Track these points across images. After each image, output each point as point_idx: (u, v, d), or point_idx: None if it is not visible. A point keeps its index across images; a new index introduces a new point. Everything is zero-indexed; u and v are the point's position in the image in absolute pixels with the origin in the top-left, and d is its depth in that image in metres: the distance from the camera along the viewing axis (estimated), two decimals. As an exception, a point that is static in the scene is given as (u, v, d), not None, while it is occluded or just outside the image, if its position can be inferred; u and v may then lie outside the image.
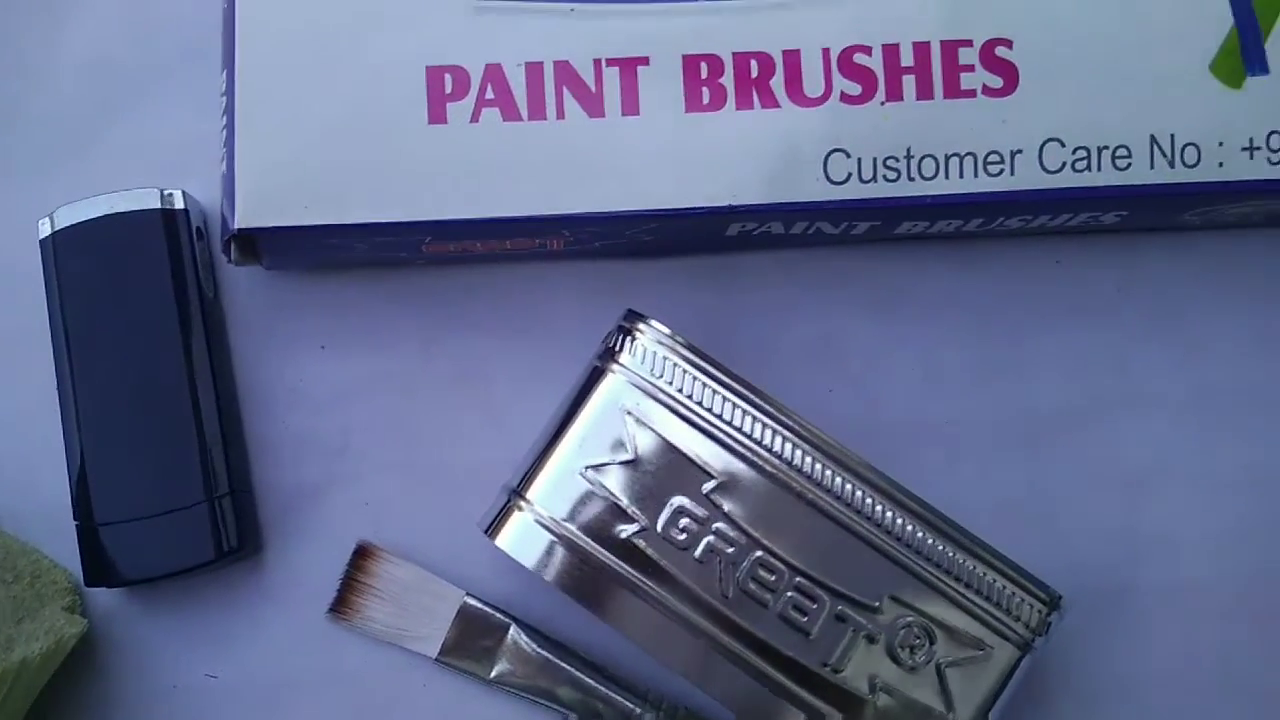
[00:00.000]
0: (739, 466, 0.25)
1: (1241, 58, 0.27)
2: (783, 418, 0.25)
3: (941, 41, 0.27)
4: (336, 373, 0.30)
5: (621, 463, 0.25)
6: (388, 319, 0.30)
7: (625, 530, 0.24)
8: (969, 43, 0.27)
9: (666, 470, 0.25)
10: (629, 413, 0.25)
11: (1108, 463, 0.30)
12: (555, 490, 0.25)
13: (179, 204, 0.29)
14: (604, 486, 0.25)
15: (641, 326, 0.26)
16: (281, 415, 0.30)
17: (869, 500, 0.25)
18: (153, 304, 0.28)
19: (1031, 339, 0.30)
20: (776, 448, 0.25)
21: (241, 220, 0.26)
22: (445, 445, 0.29)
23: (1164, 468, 0.30)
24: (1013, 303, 0.30)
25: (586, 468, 0.25)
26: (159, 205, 0.28)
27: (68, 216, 0.28)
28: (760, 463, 0.25)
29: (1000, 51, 0.27)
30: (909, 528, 0.25)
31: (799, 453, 0.25)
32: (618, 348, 0.26)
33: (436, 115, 0.26)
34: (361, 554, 0.28)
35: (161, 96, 0.31)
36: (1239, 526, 0.30)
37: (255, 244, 0.27)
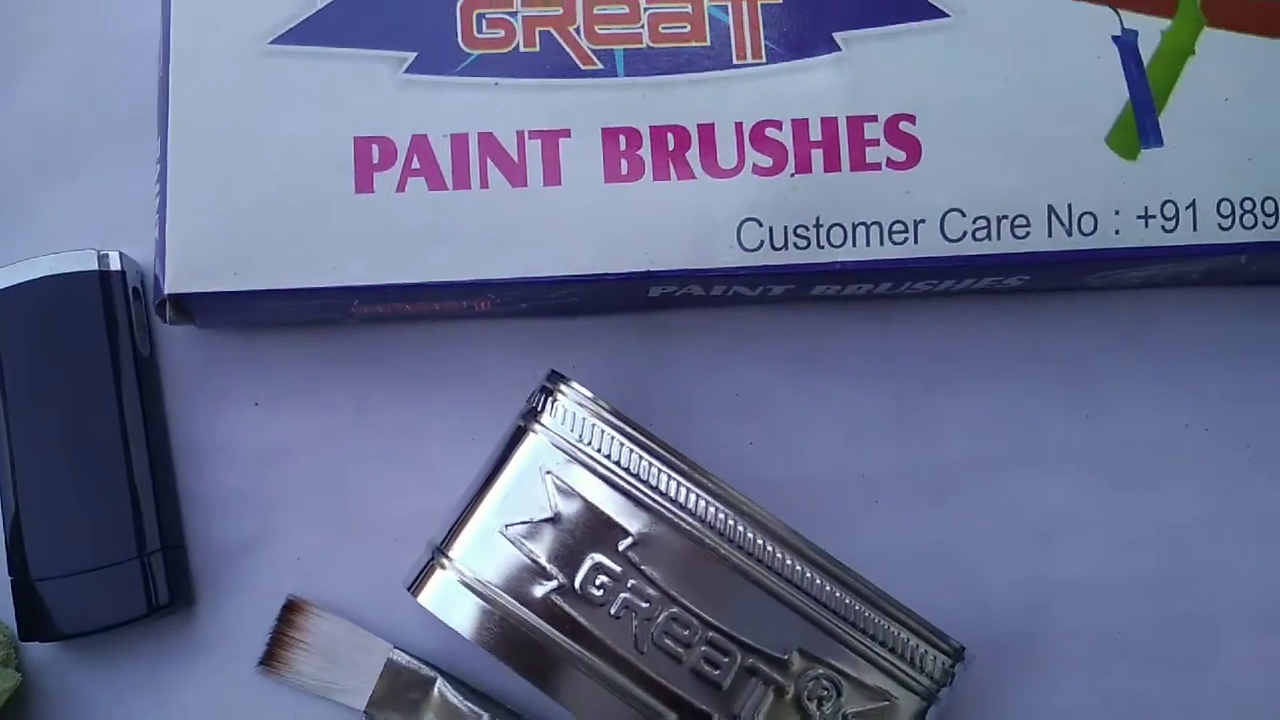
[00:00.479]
0: (654, 525, 0.26)
1: (1137, 130, 0.29)
2: (697, 477, 0.26)
3: (848, 117, 0.28)
4: (269, 429, 0.30)
5: (541, 521, 0.26)
6: (319, 376, 0.31)
7: (543, 588, 0.25)
8: (874, 118, 0.28)
9: (585, 528, 0.26)
10: (549, 472, 0.26)
11: (1017, 515, 0.31)
12: (477, 548, 0.26)
13: (115, 265, 0.29)
14: (524, 544, 0.26)
15: (563, 388, 0.27)
16: (215, 471, 0.30)
17: (779, 555, 0.26)
18: (89, 363, 0.29)
19: (944, 394, 0.32)
20: (690, 505, 0.26)
21: (171, 286, 0.26)
22: (376, 500, 0.30)
23: (1071, 520, 0.31)
24: (926, 359, 0.32)
25: (507, 526, 0.26)
26: (96, 267, 0.29)
27: (8, 277, 0.29)
28: (675, 520, 0.26)
29: (904, 126, 0.28)
30: (817, 582, 0.26)
31: (712, 510, 0.26)
32: (540, 408, 0.27)
33: (364, 184, 0.27)
34: (291, 609, 0.29)
35: (104, 157, 0.31)
36: (1144, 578, 0.31)
37: (188, 305, 0.28)
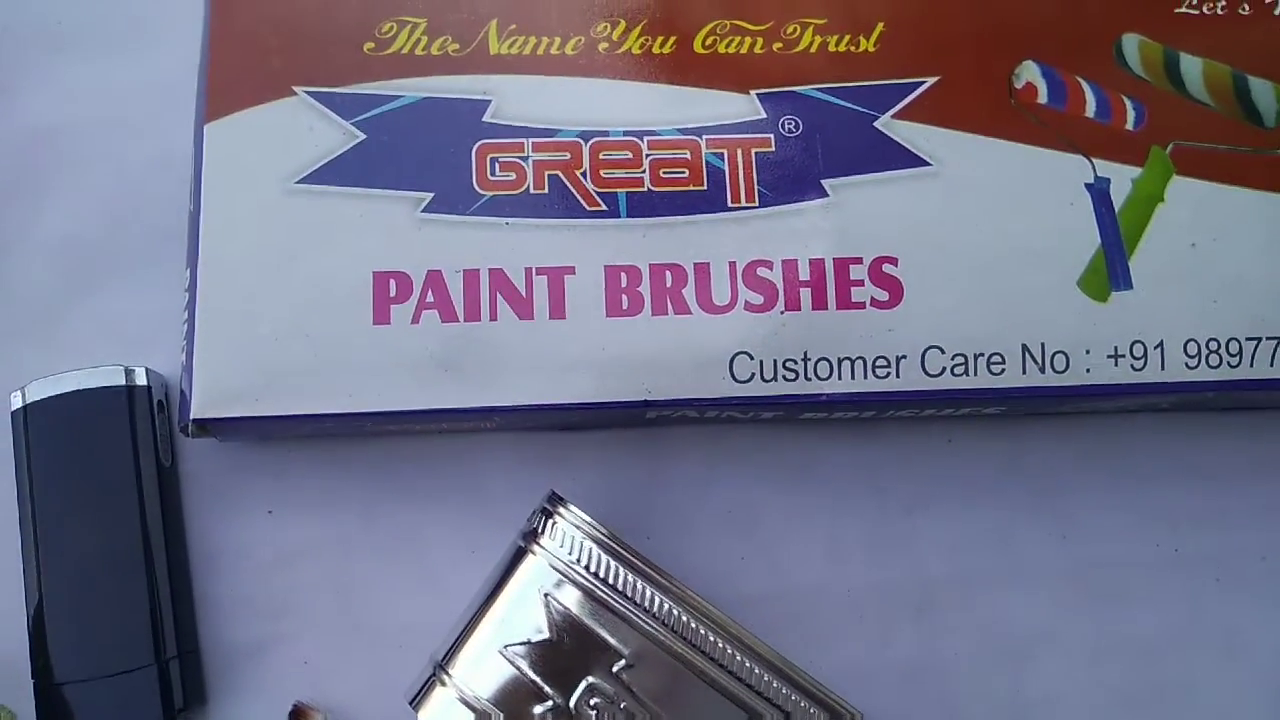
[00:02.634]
0: (647, 648, 0.27)
1: (1107, 274, 0.30)
2: (688, 601, 0.27)
3: (834, 258, 0.30)
4: (281, 536, 0.32)
5: (538, 642, 0.27)
6: (330, 486, 0.32)
7: (540, 707, 0.27)
8: (859, 260, 0.30)
9: (580, 650, 0.27)
10: (547, 594, 0.27)
11: (994, 631, 0.32)
12: (475, 667, 0.27)
13: (141, 380, 0.31)
14: (521, 665, 0.27)
15: (561, 510, 0.28)
16: (229, 576, 0.32)
17: (766, 678, 0.27)
18: (114, 474, 0.30)
19: (925, 512, 0.33)
20: (681, 630, 0.27)
21: (198, 412, 0.28)
22: (381, 608, 0.31)
23: (1046, 637, 0.33)
24: (909, 478, 0.33)
25: (506, 646, 0.27)
26: (123, 382, 0.31)
27: (38, 391, 0.31)
28: (667, 644, 0.27)
29: (887, 268, 0.30)
30: (802, 705, 0.27)
31: (702, 633, 0.27)
32: (539, 530, 0.28)
33: (381, 316, 0.29)
34: (296, 715, 0.30)
35: (132, 274, 0.33)
36: (1115, 693, 0.32)
37: (210, 425, 0.29)
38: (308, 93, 0.30)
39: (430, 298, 0.29)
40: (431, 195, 0.29)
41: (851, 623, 0.32)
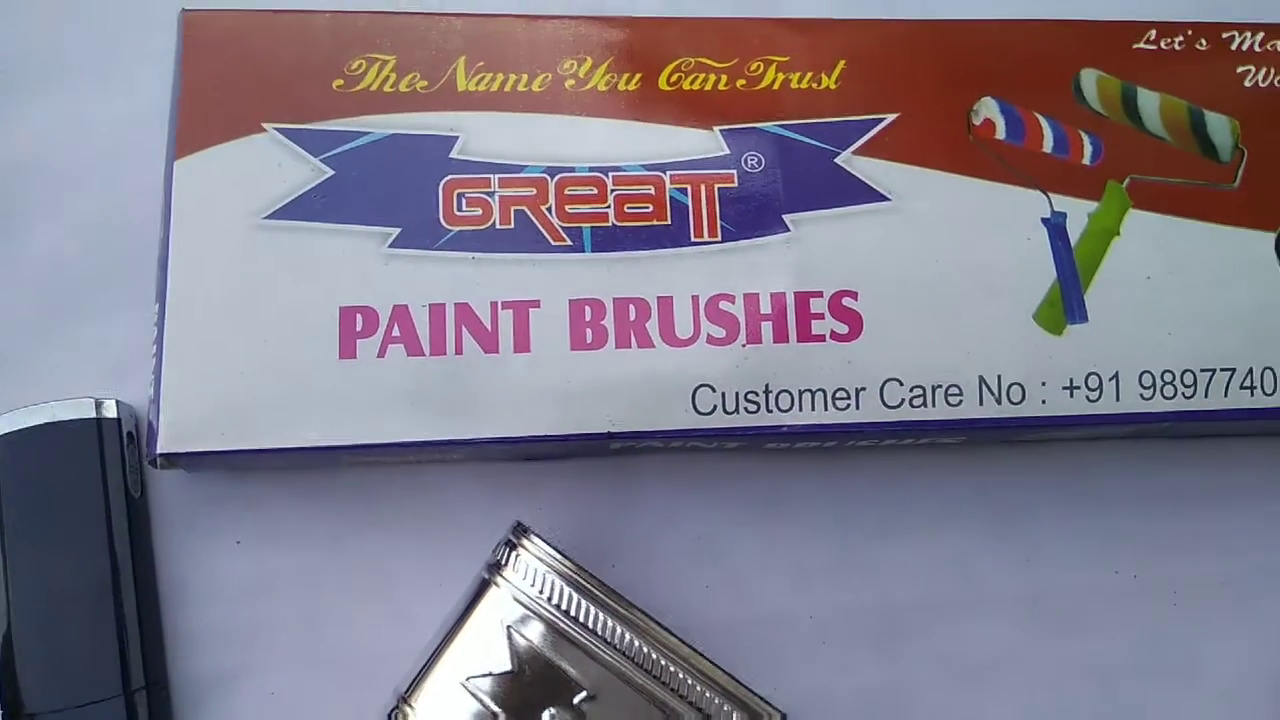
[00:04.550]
0: (607, 679, 0.27)
1: (1063, 308, 0.31)
2: (649, 634, 0.28)
3: (795, 292, 0.30)
4: (250, 567, 0.32)
5: (500, 674, 0.27)
6: (299, 518, 0.32)
7: (502, 738, 0.27)
8: (819, 294, 0.30)
9: (542, 682, 0.27)
10: (509, 626, 0.28)
11: (956, 656, 0.33)
12: (439, 698, 0.27)
13: (111, 413, 0.31)
14: (483, 696, 0.27)
15: (525, 542, 0.29)
16: (198, 607, 0.32)
17: (727, 708, 0.28)
18: (83, 505, 0.30)
19: (888, 540, 0.34)
20: (642, 661, 0.28)
21: (164, 446, 0.28)
22: (350, 639, 0.32)
23: (1007, 662, 0.33)
24: (872, 506, 0.34)
25: (469, 678, 0.27)
26: (93, 415, 0.31)
27: (9, 423, 0.31)
28: (628, 675, 0.27)
29: (846, 302, 0.30)
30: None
31: (663, 664, 0.28)
32: (503, 561, 0.28)
33: (347, 351, 0.29)
34: (265, 745, 0.30)
35: (105, 306, 0.33)
36: (1075, 718, 0.33)
37: (177, 458, 0.29)
38: (277, 129, 0.30)
39: (396, 332, 0.29)
40: (399, 230, 0.30)
41: (816, 649, 0.33)
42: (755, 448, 0.32)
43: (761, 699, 0.28)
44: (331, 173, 0.30)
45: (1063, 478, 0.34)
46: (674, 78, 0.32)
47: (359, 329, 0.29)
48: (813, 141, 0.31)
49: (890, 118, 0.32)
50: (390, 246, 0.30)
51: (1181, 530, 0.34)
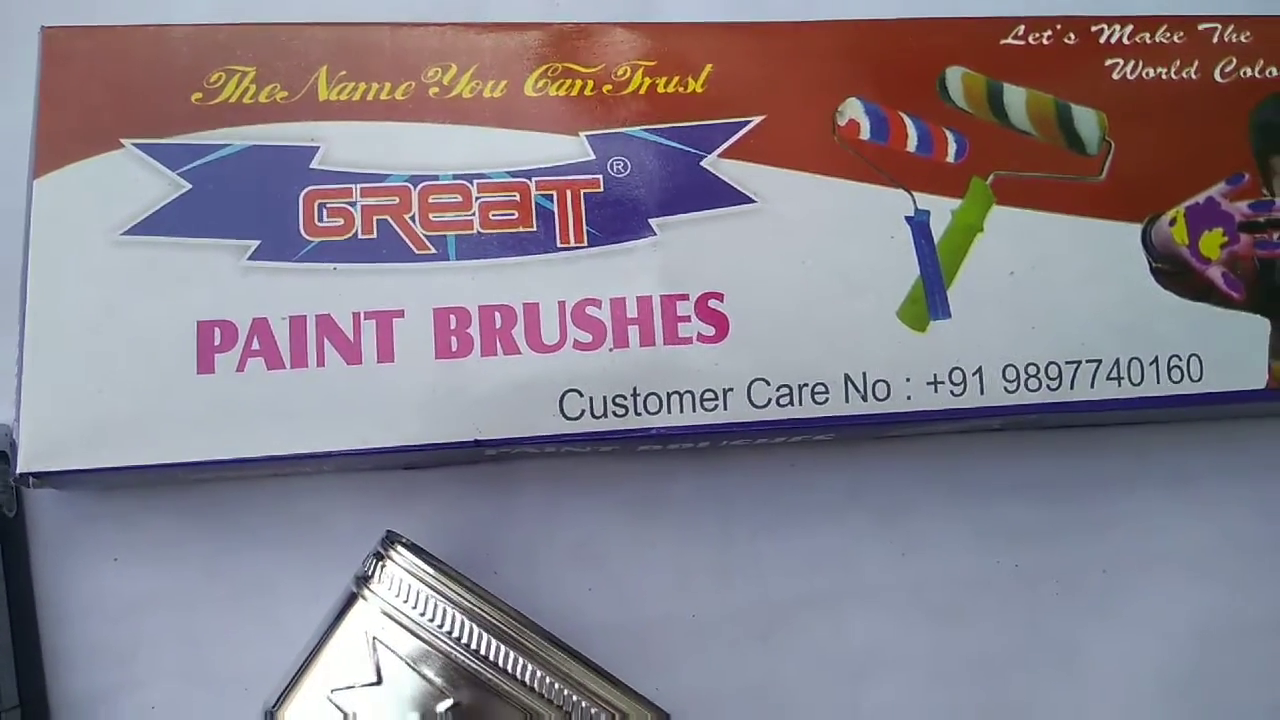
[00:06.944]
0: (473, 689, 0.28)
1: (926, 304, 0.31)
2: (521, 641, 0.28)
3: (662, 295, 0.30)
4: (127, 584, 0.32)
5: (366, 685, 0.27)
6: (176, 533, 0.32)
7: (366, 750, 0.27)
8: (685, 296, 0.30)
9: (407, 692, 0.27)
10: (375, 638, 0.28)
11: (837, 650, 0.33)
12: (305, 713, 0.27)
13: (-20, 433, 0.31)
14: (349, 709, 0.27)
15: (393, 552, 0.29)
16: (76, 625, 0.32)
17: (594, 710, 0.28)
18: (-49, 528, 0.30)
19: (769, 537, 0.34)
20: (510, 667, 0.28)
21: (24, 465, 0.28)
22: (228, 654, 0.32)
23: (888, 654, 0.33)
24: (752, 504, 0.34)
25: (334, 690, 0.27)
26: (-39, 435, 0.31)
27: (-128, 446, 0.31)
28: (494, 684, 0.28)
29: (713, 304, 0.31)
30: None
31: (531, 668, 0.28)
32: (370, 573, 0.29)
33: (205, 365, 0.29)
34: (139, 763, 0.30)
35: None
36: (956, 709, 0.33)
37: (45, 477, 0.29)
38: (135, 144, 0.30)
39: (255, 345, 0.29)
40: (258, 243, 0.30)
41: (698, 648, 0.33)
42: (630, 450, 0.32)
43: (643, 700, 0.28)
44: (189, 186, 0.30)
45: (938, 471, 0.35)
46: (540, 84, 0.32)
47: (217, 343, 0.29)
48: (679, 145, 0.32)
49: (756, 120, 0.32)
50: (249, 259, 0.29)
51: (1060, 519, 0.35)
